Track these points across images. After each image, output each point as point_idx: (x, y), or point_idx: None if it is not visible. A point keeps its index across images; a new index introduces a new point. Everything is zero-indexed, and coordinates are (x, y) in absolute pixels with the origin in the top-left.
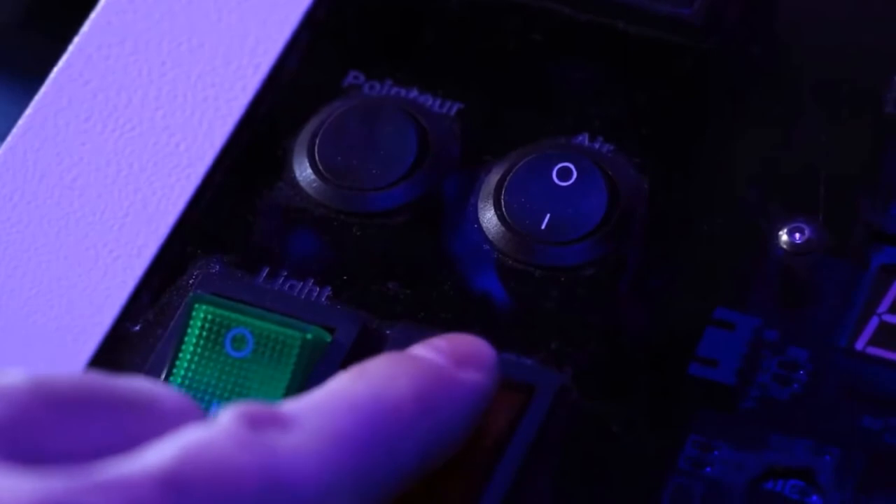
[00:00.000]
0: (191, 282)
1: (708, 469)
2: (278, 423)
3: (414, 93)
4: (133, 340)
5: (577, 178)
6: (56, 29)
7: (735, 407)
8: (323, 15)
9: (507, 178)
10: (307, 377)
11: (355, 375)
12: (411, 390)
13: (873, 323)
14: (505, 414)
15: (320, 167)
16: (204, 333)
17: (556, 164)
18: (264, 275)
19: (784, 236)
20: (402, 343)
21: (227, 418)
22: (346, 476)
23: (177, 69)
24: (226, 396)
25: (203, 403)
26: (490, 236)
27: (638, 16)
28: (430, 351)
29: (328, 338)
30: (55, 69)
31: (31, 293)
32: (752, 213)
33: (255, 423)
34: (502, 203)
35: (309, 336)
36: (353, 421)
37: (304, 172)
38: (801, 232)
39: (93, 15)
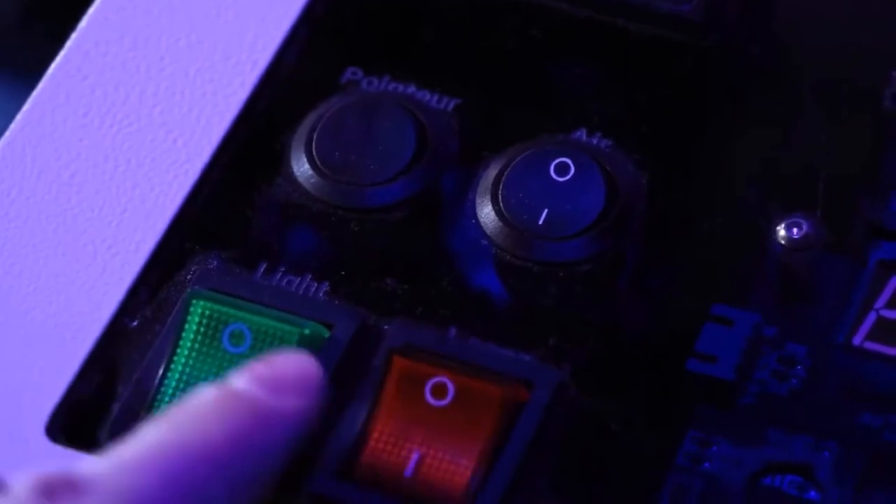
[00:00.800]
0: (188, 277)
1: (706, 465)
2: (72, 489)
3: (412, 89)
4: (131, 336)
5: (574, 174)
6: (55, 27)
7: (734, 403)
8: (321, 11)
9: (505, 174)
10: None
11: (165, 423)
12: (222, 433)
13: (871, 318)
14: (503, 411)
15: (318, 163)
16: (202, 329)
17: (554, 160)
18: (262, 270)
19: (782, 231)
20: (400, 339)
21: (20, 487)
22: None
23: (175, 65)
24: None
25: None
26: (488, 232)
27: (637, 13)
28: (248, 381)
29: (326, 333)
30: (53, 65)
31: (29, 289)
32: (750, 209)
33: (49, 491)
34: (500, 198)
35: (307, 332)
36: (156, 476)
37: (301, 168)
38: (800, 227)
39: (91, 10)
